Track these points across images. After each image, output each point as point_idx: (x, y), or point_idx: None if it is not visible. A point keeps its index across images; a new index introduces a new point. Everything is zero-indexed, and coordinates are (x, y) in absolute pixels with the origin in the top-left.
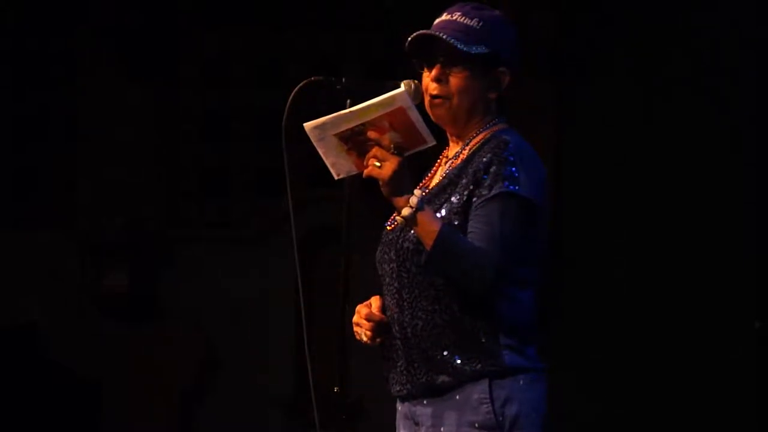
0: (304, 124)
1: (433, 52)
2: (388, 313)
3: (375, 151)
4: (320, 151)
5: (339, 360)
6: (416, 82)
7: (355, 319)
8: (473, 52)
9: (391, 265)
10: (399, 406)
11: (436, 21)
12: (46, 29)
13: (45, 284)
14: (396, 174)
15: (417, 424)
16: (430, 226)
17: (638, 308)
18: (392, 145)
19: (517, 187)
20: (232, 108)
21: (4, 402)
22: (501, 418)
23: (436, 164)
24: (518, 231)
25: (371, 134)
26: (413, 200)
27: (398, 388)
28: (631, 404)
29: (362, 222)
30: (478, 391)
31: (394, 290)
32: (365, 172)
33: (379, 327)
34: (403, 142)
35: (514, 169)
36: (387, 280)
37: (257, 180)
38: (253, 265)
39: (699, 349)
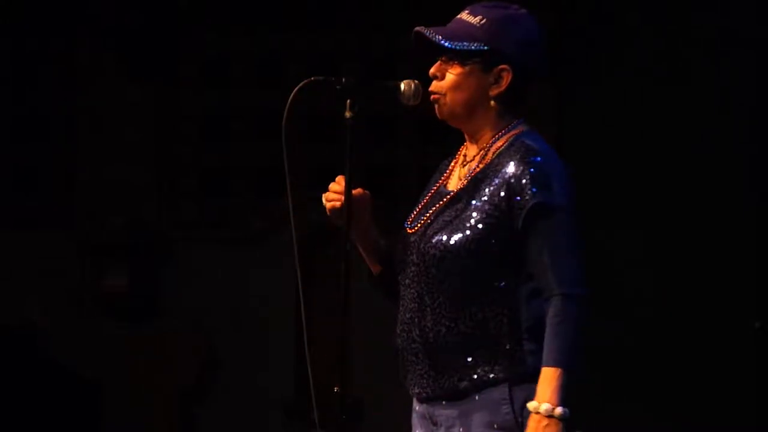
0: None
1: (433, 49)
2: (408, 315)
3: None
4: None
5: (339, 360)
6: (416, 81)
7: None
8: (458, 48)
9: (413, 269)
10: (417, 406)
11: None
12: (46, 29)
13: (45, 284)
14: None
15: (435, 424)
16: (559, 380)
17: (638, 308)
18: None
19: (557, 201)
20: (232, 108)
21: (4, 402)
22: (520, 419)
23: (453, 163)
24: (572, 245)
25: None
26: (558, 411)
27: (418, 391)
28: (631, 404)
29: None
30: (499, 392)
31: (415, 294)
32: None
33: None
34: None
35: (550, 181)
36: (407, 281)
37: (257, 180)
38: (253, 265)
39: (699, 349)
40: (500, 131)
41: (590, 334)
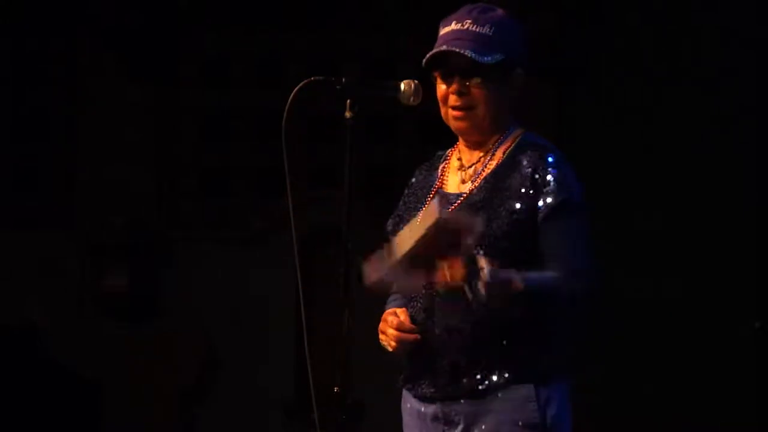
0: (366, 283)
1: (449, 65)
2: (423, 315)
3: (442, 263)
4: (391, 286)
5: (339, 360)
6: (416, 81)
7: (381, 326)
8: (491, 62)
9: None
10: (421, 407)
11: (446, 30)
12: (46, 29)
13: (45, 284)
14: (469, 271)
15: (449, 423)
16: (512, 288)
17: (638, 308)
18: (449, 250)
19: (578, 197)
20: (232, 108)
21: (4, 402)
22: (544, 418)
23: (442, 167)
24: (589, 238)
25: (429, 253)
26: (485, 274)
27: (433, 390)
28: (631, 404)
29: (362, 222)
30: (525, 391)
31: (434, 294)
32: (439, 286)
33: (408, 339)
34: (456, 241)
35: (571, 179)
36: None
37: (257, 180)
38: (253, 265)
39: (699, 349)
40: (504, 132)
41: (589, 335)
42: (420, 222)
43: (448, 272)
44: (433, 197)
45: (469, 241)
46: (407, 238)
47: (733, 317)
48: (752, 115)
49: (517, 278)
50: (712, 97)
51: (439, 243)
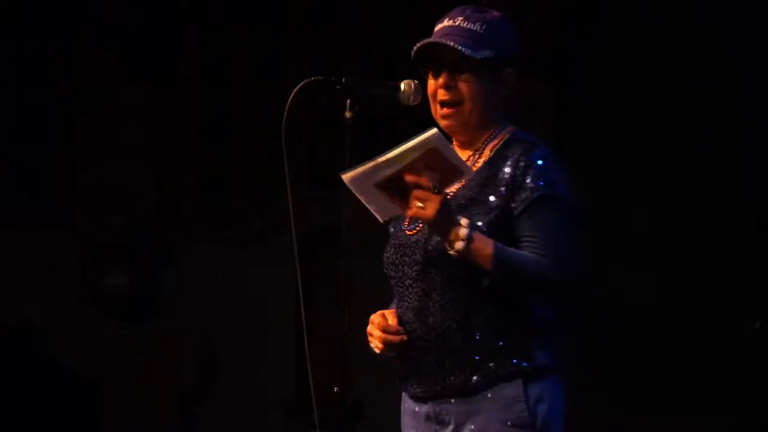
0: (342, 176)
1: (439, 59)
2: (411, 315)
3: (416, 193)
4: (362, 199)
5: (339, 360)
6: (416, 81)
7: (369, 328)
8: (480, 57)
9: (415, 268)
10: (415, 407)
11: (439, 27)
12: (46, 29)
13: (45, 284)
14: (441, 212)
15: (441, 423)
16: (483, 251)
17: (638, 308)
18: (432, 184)
19: (562, 192)
20: (232, 108)
21: (4, 402)
22: (534, 417)
23: None
24: (570, 233)
25: (409, 178)
26: (463, 232)
27: (423, 389)
28: (630, 404)
29: (362, 222)
30: (513, 389)
31: (421, 292)
32: (409, 213)
33: (393, 341)
34: (441, 178)
35: (555, 174)
36: (407, 282)
37: (257, 180)
38: (253, 265)
39: (699, 349)
40: (494, 131)
41: (590, 335)
42: (414, 139)
43: (424, 204)
44: None
45: (454, 182)
46: (398, 149)
47: (733, 317)
48: (752, 115)
49: (490, 242)
50: (712, 97)
51: (424, 165)
